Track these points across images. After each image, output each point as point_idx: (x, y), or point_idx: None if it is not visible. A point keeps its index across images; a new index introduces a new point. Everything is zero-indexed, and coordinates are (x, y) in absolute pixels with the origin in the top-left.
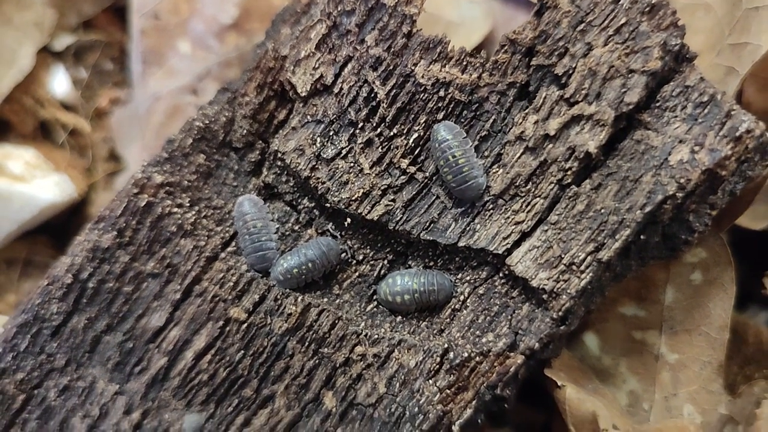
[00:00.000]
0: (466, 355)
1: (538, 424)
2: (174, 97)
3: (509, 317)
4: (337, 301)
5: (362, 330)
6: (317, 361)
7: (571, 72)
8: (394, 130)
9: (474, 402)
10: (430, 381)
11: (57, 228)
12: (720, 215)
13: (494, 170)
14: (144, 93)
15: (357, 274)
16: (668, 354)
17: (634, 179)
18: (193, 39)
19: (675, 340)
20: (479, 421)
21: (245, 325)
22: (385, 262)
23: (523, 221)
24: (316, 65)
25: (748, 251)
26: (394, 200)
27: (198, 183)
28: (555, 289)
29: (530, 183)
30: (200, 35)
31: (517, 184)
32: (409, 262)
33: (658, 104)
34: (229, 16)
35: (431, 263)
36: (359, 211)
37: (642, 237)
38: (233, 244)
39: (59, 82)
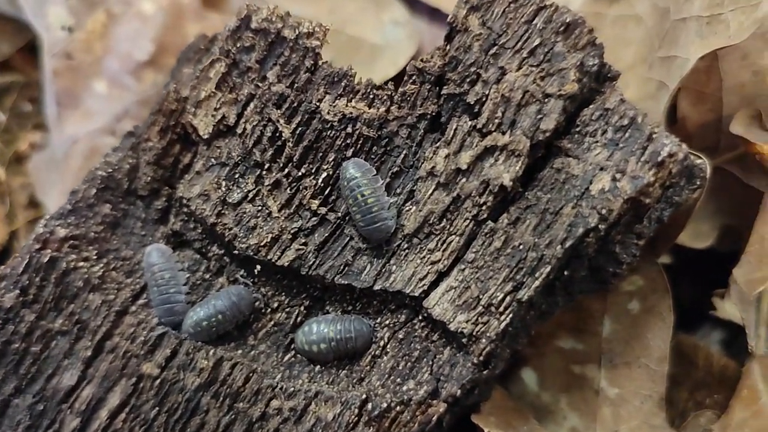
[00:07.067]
0: (385, 405)
1: None
2: (92, 139)
3: (430, 362)
4: (253, 352)
5: (277, 383)
6: (233, 417)
7: (483, 100)
8: (302, 170)
9: None
10: None
11: None
12: (655, 239)
13: (407, 208)
14: (61, 136)
15: (272, 322)
16: (608, 388)
17: (554, 212)
18: (108, 78)
19: (614, 373)
20: None
21: (158, 381)
22: (302, 308)
23: (439, 260)
24: (218, 105)
25: (696, 270)
26: (305, 244)
27: (105, 234)
28: (474, 333)
29: (444, 220)
30: (116, 73)
31: (431, 221)
32: (327, 308)
33: (578, 129)
34: (145, 52)
35: (350, 308)
36: (269, 257)
37: (566, 272)
38: (144, 295)
39: None
